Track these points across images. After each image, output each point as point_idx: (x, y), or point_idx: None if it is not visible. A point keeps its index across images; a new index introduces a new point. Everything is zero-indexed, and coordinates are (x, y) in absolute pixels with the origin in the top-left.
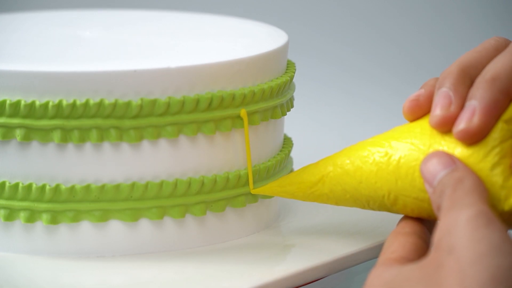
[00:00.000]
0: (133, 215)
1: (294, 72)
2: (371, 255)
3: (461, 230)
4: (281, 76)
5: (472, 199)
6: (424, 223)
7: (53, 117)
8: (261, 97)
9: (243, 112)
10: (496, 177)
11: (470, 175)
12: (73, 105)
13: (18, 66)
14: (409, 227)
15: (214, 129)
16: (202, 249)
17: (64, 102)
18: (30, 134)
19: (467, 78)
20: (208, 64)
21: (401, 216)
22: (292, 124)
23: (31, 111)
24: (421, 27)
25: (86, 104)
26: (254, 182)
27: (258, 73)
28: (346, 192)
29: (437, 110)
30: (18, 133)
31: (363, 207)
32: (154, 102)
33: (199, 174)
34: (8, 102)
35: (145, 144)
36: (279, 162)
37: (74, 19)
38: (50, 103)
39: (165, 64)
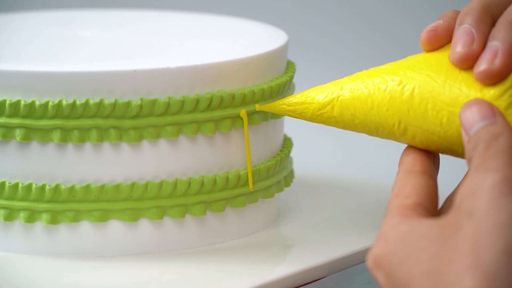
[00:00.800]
0: (133, 215)
1: (294, 72)
2: None
3: (483, 196)
4: (281, 76)
5: (502, 162)
6: (431, 159)
7: (53, 117)
8: (261, 97)
9: (243, 112)
10: (510, 117)
11: (507, 133)
12: (73, 105)
13: (18, 66)
14: (419, 164)
15: (214, 129)
16: (202, 249)
17: (64, 102)
18: (30, 134)
19: (489, 16)
20: (208, 64)
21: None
22: (292, 124)
23: (31, 111)
24: (421, 27)
25: (86, 104)
26: (254, 182)
27: (258, 73)
28: (355, 117)
29: (459, 47)
30: (18, 133)
31: (371, 134)
32: (154, 102)
33: (199, 174)
34: (8, 102)
35: (145, 144)
36: (279, 162)
37: (74, 19)
38: (50, 103)
39: (165, 64)
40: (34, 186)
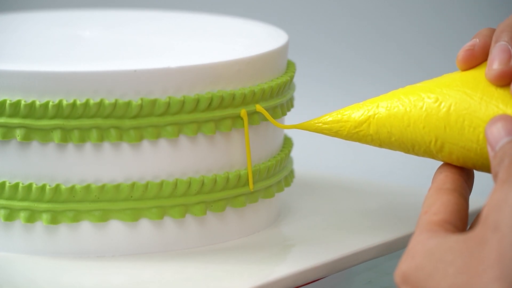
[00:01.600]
0: (133, 215)
1: (294, 72)
2: (371, 255)
3: (508, 209)
4: (281, 76)
5: None
6: (464, 177)
7: (53, 117)
8: (261, 97)
9: (243, 112)
10: None
11: None
12: (73, 105)
13: (18, 66)
14: (450, 182)
15: (214, 129)
16: (202, 249)
17: (64, 102)
18: (30, 134)
19: None
20: (208, 64)
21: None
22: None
23: (31, 111)
24: (421, 27)
25: (86, 104)
26: (254, 182)
27: (258, 73)
28: (392, 135)
29: (495, 64)
30: (18, 133)
31: (407, 152)
32: (154, 102)
33: (199, 174)
34: (8, 102)
35: (145, 144)
36: (279, 162)
37: (74, 19)
38: (50, 103)
39: (165, 64)
40: (34, 186)
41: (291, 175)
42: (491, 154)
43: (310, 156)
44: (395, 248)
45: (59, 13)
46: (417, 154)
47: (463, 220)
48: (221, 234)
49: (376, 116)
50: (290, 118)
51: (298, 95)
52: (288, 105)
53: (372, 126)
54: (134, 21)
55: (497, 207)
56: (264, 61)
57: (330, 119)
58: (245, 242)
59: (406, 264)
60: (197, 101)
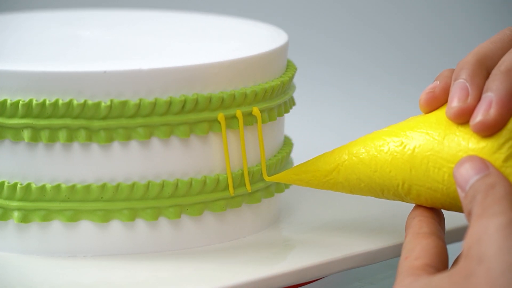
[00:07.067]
0: (104, 216)
1: (294, 72)
2: (372, 257)
3: (491, 239)
4: (281, 76)
5: (503, 207)
6: (436, 219)
7: (23, 116)
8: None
9: (220, 116)
10: (509, 169)
11: (503, 182)
12: (43, 104)
13: None
14: (426, 226)
15: (188, 132)
16: (200, 249)
17: (34, 102)
18: (2, 133)
19: (483, 69)
20: (182, 66)
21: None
22: (292, 124)
23: (2, 109)
24: (421, 27)
25: (56, 103)
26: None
27: (258, 73)
28: (360, 181)
29: (455, 102)
30: None
31: (378, 196)
32: (124, 104)
33: (173, 177)
34: None
35: (116, 145)
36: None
37: (74, 19)
38: (21, 102)
39: (137, 66)
40: (6, 184)
41: None
42: (461, 195)
43: (310, 156)
44: (396, 251)
45: (55, 13)
46: (387, 198)
47: (443, 262)
48: (220, 234)
49: (344, 163)
50: (290, 118)
51: (298, 95)
52: (288, 105)
53: (341, 174)
54: (133, 21)
55: (478, 240)
56: (264, 61)
57: (301, 169)
58: (245, 242)
59: None
60: (169, 103)
